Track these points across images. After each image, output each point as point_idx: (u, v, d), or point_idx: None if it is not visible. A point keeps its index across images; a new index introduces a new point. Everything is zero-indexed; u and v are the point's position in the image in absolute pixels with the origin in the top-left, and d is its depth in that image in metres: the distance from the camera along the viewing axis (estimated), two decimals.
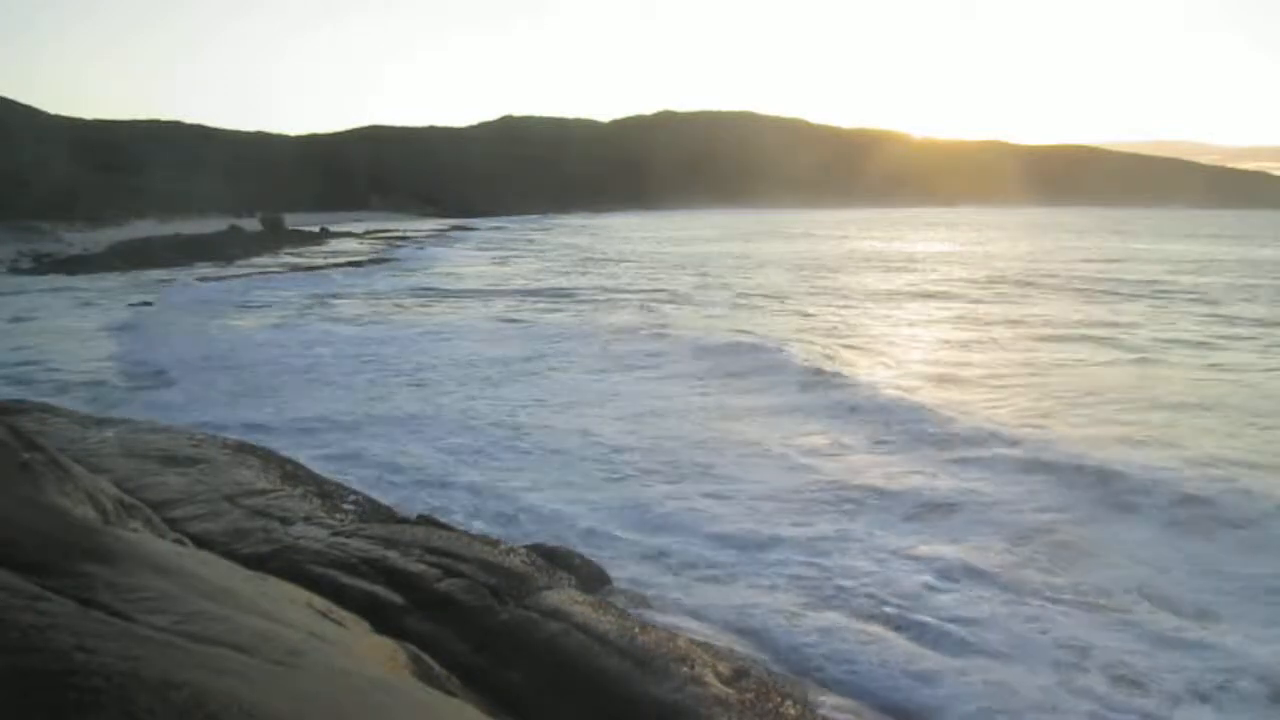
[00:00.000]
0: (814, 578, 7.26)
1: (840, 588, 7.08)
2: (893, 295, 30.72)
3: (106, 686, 2.08)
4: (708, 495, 9.37)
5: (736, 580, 7.31)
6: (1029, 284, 34.18)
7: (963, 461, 10.45)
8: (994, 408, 13.38)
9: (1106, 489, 9.20)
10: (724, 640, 6.35)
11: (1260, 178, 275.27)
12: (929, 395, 14.04)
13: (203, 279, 36.77)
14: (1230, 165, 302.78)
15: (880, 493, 9.39)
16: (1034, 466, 10.02)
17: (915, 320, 24.68)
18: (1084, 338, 20.62)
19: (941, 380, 15.60)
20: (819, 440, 11.58)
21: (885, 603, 6.80)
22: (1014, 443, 10.96)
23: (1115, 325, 22.79)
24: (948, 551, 7.74)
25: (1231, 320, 23.78)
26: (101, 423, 10.38)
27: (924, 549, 7.82)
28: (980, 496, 9.23)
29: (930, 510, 8.91)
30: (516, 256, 54.10)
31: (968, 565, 7.42)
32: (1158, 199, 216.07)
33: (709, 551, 7.89)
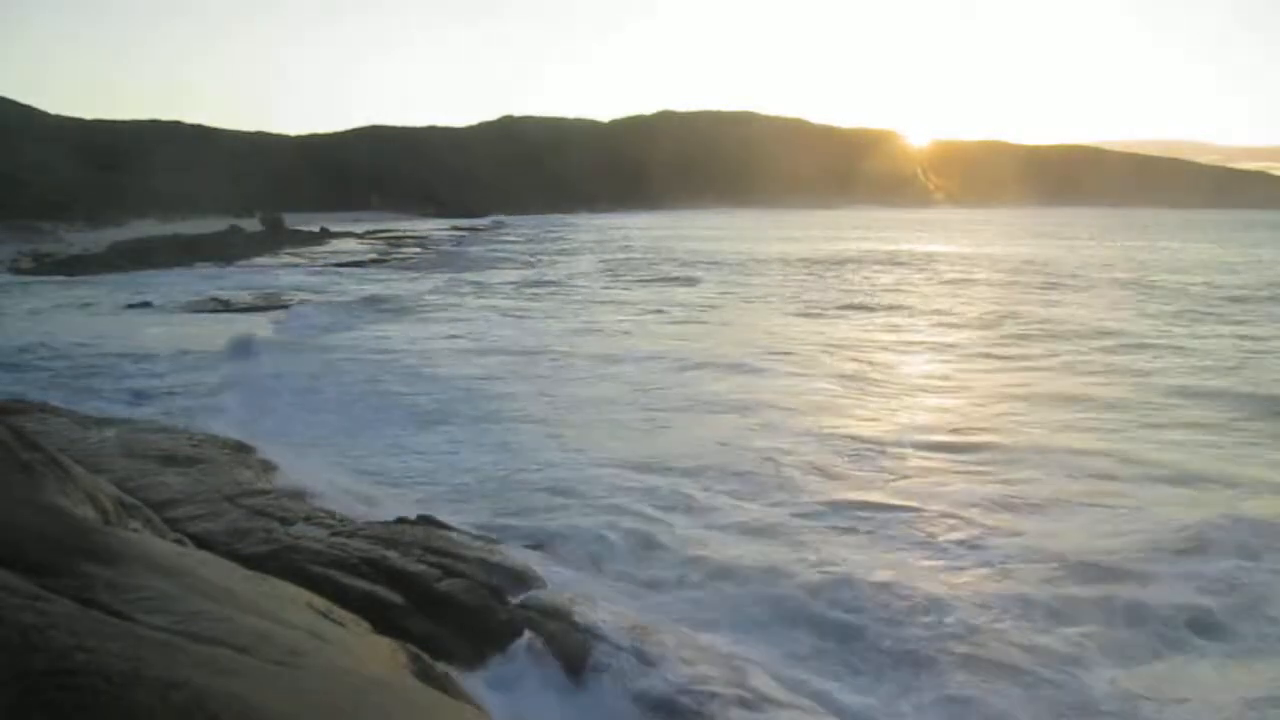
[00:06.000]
0: None
1: None
2: None
3: (106, 686, 2.08)
4: None
5: None
6: None
7: None
8: None
9: None
10: (725, 643, 6.36)
11: (1260, 178, 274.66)
12: None
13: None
14: (1230, 165, 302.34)
15: None
16: None
17: None
18: None
19: None
20: None
21: None
22: None
23: None
24: None
25: None
26: (101, 423, 10.37)
27: None
28: None
29: None
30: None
31: None
32: (1158, 199, 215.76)
33: None
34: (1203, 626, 6.74)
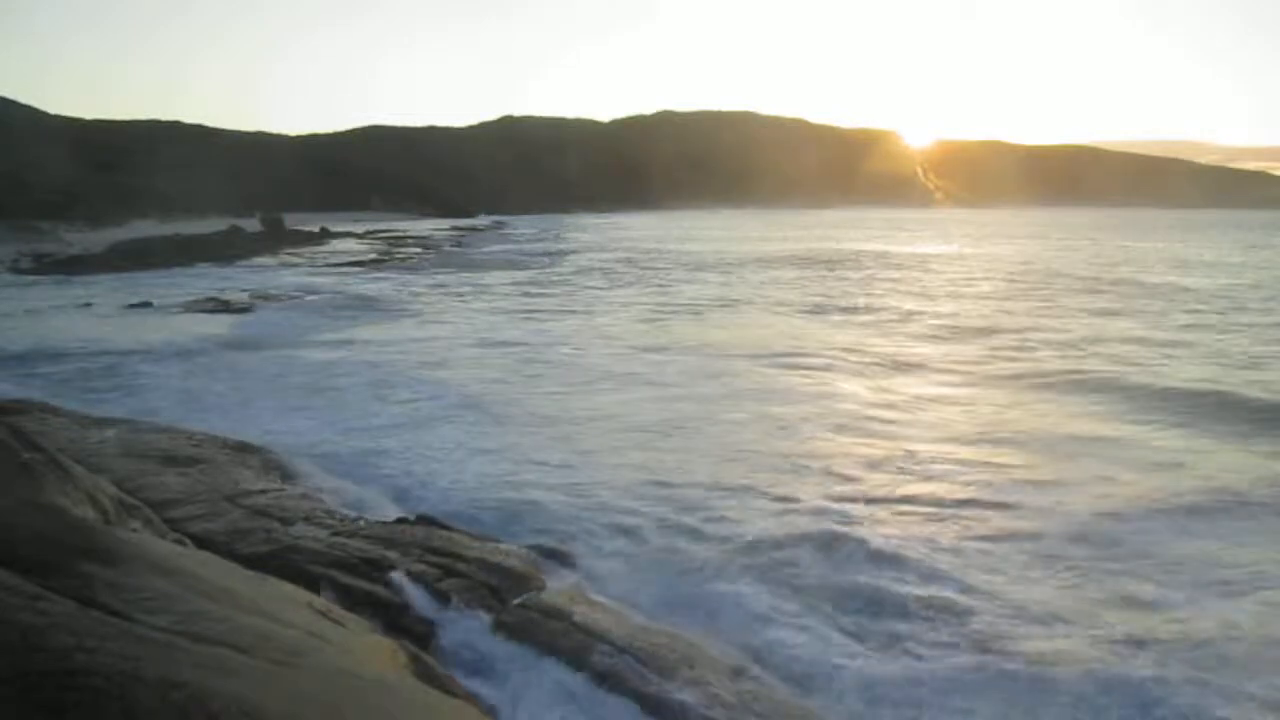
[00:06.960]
0: None
1: None
2: None
3: (106, 686, 2.08)
4: None
5: None
6: None
7: None
8: None
9: None
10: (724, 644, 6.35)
11: (1260, 178, 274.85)
12: None
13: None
14: (1230, 165, 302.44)
15: None
16: None
17: None
18: None
19: None
20: None
21: None
22: None
23: None
24: None
25: None
26: (101, 423, 10.38)
27: None
28: None
29: None
30: None
31: None
32: (1159, 199, 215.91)
33: None
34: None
